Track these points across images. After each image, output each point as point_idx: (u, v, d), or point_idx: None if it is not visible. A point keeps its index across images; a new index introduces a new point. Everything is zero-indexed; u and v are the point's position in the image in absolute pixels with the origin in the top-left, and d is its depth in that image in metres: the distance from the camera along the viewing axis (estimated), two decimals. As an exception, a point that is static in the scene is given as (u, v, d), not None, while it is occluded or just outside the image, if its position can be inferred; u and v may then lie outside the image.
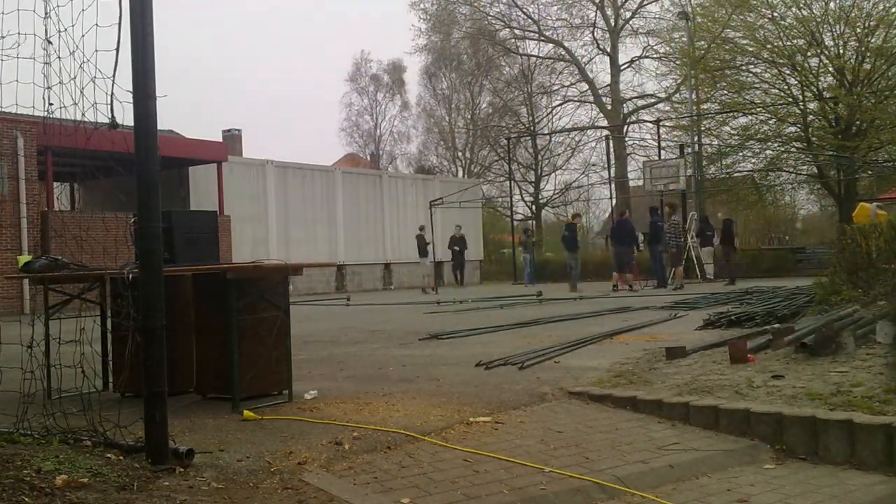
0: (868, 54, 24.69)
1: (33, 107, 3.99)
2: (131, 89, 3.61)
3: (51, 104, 3.95)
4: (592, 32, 36.82)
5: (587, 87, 37.15)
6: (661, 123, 28.75)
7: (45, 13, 3.85)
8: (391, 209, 27.07)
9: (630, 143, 35.57)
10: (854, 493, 3.64)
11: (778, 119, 26.81)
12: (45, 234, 18.19)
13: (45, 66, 3.94)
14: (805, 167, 27.14)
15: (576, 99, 37.97)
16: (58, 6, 3.82)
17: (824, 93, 25.41)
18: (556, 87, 38.72)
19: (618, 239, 18.72)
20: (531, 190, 39.79)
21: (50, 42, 3.88)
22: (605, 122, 36.61)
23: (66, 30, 3.81)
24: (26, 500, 2.99)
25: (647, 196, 27.38)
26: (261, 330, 5.12)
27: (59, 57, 3.87)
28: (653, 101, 34.96)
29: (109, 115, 3.74)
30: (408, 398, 5.20)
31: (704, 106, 27.89)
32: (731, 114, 27.13)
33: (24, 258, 5.72)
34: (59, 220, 18.17)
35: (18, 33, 3.87)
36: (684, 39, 28.45)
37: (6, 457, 3.44)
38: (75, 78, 3.81)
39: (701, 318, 9.07)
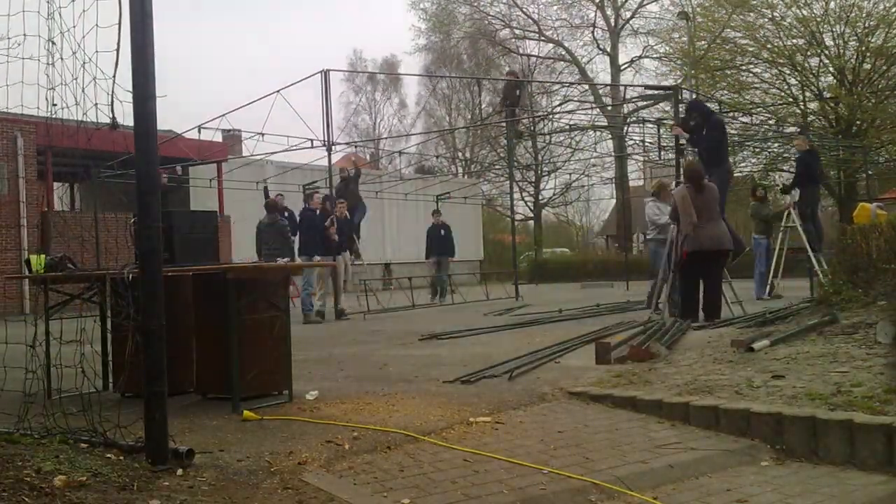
0: (868, 54, 24.68)
1: (38, 107, 4.00)
2: (131, 89, 3.61)
3: (54, 105, 3.96)
4: (592, 32, 36.84)
5: (587, 86, 37.14)
6: (661, 123, 28.72)
7: (48, 14, 3.86)
8: (391, 209, 27.06)
9: (630, 143, 35.56)
10: (854, 494, 3.63)
11: (778, 119, 26.82)
12: (46, 234, 18.20)
13: (49, 66, 3.94)
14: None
15: (576, 99, 37.97)
16: (60, 7, 3.82)
17: (824, 93, 25.40)
18: (556, 88, 38.74)
19: None
20: (531, 190, 39.76)
21: (53, 43, 3.89)
22: (604, 123, 36.60)
23: (68, 30, 3.82)
24: (26, 500, 2.99)
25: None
26: (261, 330, 5.13)
27: (61, 58, 3.88)
28: (653, 101, 34.92)
29: (110, 116, 3.74)
30: (408, 398, 5.20)
31: (704, 106, 27.86)
32: (732, 114, 27.12)
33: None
34: (59, 220, 18.18)
35: (24, 35, 3.88)
36: (684, 39, 28.45)
37: (6, 457, 3.44)
38: (77, 78, 3.82)
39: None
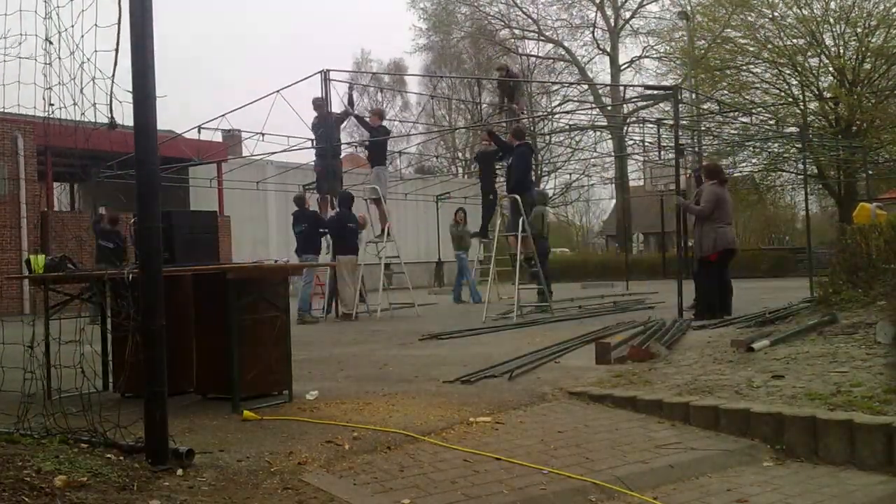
0: (868, 54, 24.69)
1: (35, 107, 3.99)
2: (131, 89, 3.60)
3: (51, 105, 3.95)
4: (592, 32, 36.88)
5: (587, 86, 37.15)
6: (661, 123, 28.72)
7: (46, 14, 3.86)
8: (391, 209, 26.97)
9: (630, 143, 35.60)
10: (854, 493, 3.63)
11: (778, 119, 26.82)
12: (46, 235, 18.20)
13: (46, 66, 3.94)
14: (805, 165, 27.24)
15: (576, 99, 37.99)
16: (58, 6, 3.82)
17: (824, 93, 25.40)
18: (555, 88, 38.77)
19: None
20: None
21: (50, 42, 3.88)
22: (604, 123, 36.63)
23: (66, 30, 3.82)
24: (26, 500, 2.99)
25: (646, 196, 27.38)
26: (261, 330, 5.12)
27: (59, 57, 3.87)
28: (652, 101, 34.93)
29: (109, 116, 3.74)
30: (408, 398, 5.20)
31: (705, 106, 27.90)
32: (733, 114, 27.14)
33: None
34: (59, 221, 18.19)
35: (21, 34, 3.88)
36: (684, 39, 28.45)
37: (6, 457, 3.44)
38: (75, 78, 3.82)
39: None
